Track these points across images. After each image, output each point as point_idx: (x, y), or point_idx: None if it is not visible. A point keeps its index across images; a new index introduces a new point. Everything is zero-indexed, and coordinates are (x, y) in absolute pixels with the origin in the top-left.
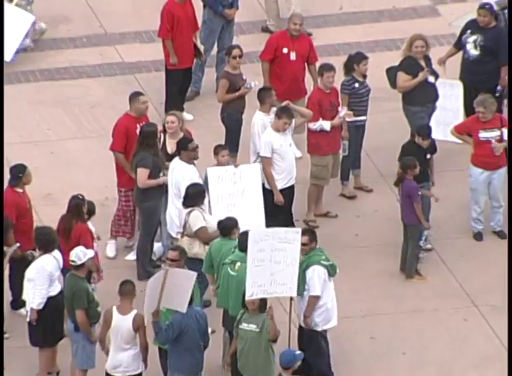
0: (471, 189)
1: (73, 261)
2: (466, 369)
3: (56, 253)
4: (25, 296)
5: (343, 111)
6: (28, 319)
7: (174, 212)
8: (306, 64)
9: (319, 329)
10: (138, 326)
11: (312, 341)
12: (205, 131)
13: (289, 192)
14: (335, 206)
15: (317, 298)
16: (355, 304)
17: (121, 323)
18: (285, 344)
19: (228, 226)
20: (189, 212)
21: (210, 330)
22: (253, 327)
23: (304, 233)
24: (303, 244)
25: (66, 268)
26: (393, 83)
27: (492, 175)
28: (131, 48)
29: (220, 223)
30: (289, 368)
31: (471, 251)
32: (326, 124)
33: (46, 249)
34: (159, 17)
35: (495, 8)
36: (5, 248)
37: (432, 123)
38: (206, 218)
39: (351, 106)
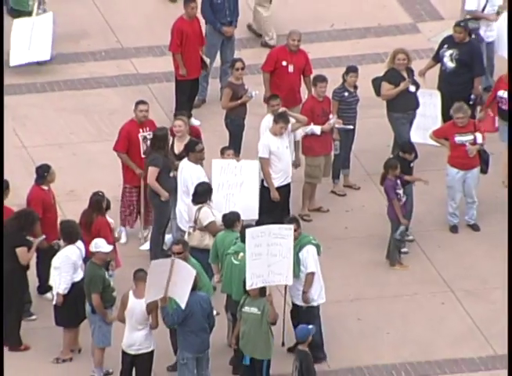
0: (448, 186)
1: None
2: (443, 347)
3: (79, 244)
4: (51, 282)
5: (333, 118)
6: (54, 303)
7: (182, 208)
8: (302, 76)
9: (316, 304)
10: (151, 308)
11: (309, 315)
12: (210, 135)
13: (285, 189)
14: (327, 202)
15: (313, 274)
16: (345, 289)
17: (136, 305)
18: (280, 323)
19: (231, 219)
20: (199, 208)
21: (215, 313)
22: (254, 310)
23: (291, 221)
24: (296, 230)
25: (88, 257)
26: (378, 92)
27: (467, 174)
28: (144, 61)
29: (224, 217)
30: (304, 342)
31: (448, 242)
32: (317, 129)
33: (70, 240)
34: (169, 33)
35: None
36: (31, 239)
37: (413, 128)
38: (214, 213)
39: (339, 113)
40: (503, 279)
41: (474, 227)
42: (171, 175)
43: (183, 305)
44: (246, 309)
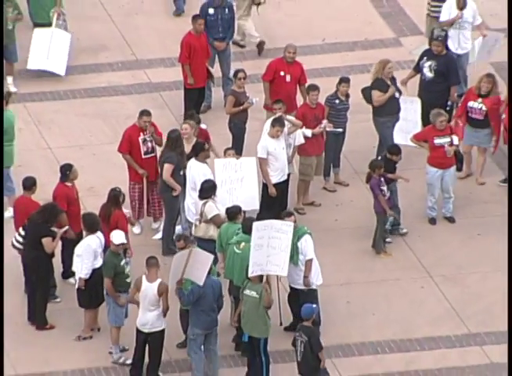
0: (428, 184)
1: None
2: (423, 326)
3: (99, 234)
4: (74, 268)
5: (324, 123)
6: (77, 286)
7: (190, 202)
8: (298, 85)
9: (315, 287)
10: (162, 291)
11: (311, 297)
12: (215, 138)
13: (282, 186)
14: (319, 197)
15: (312, 260)
16: (335, 275)
17: (148, 289)
18: (277, 306)
19: (233, 212)
20: (204, 203)
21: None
22: (253, 293)
23: (291, 214)
24: (293, 222)
25: (107, 246)
26: (369, 100)
27: (445, 172)
28: (156, 72)
29: (227, 210)
30: (309, 319)
31: (427, 233)
32: (308, 132)
33: (91, 230)
34: (179, 47)
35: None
36: (56, 230)
37: (395, 130)
38: (218, 207)
39: (330, 117)
40: (477, 265)
41: (451, 219)
42: (181, 172)
43: (201, 283)
44: (246, 291)
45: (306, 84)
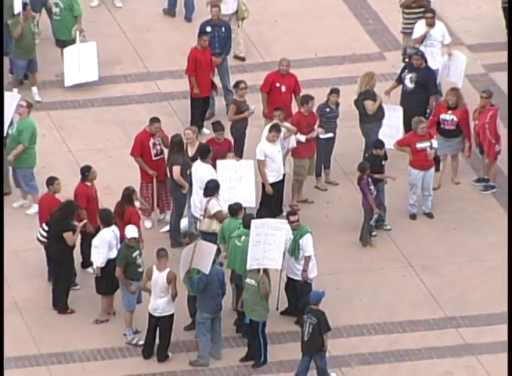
0: (410, 184)
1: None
2: (404, 310)
3: (114, 227)
4: (92, 258)
5: (317, 130)
6: (94, 275)
7: (197, 199)
8: (293, 94)
9: (309, 281)
10: (171, 279)
11: (306, 287)
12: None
13: (278, 185)
14: (311, 195)
15: (310, 256)
16: (326, 265)
17: (158, 277)
18: (275, 293)
19: (235, 209)
20: (208, 201)
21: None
22: (253, 282)
23: (294, 214)
24: (296, 221)
25: (122, 239)
26: (361, 110)
27: (426, 173)
28: (166, 83)
29: (229, 207)
30: (317, 303)
31: (408, 227)
32: (302, 137)
33: (106, 224)
34: (186, 60)
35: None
36: (76, 223)
37: (380, 135)
38: (221, 204)
39: (321, 124)
40: (452, 256)
41: (429, 215)
42: (188, 172)
43: (207, 272)
44: (247, 280)
45: (300, 94)
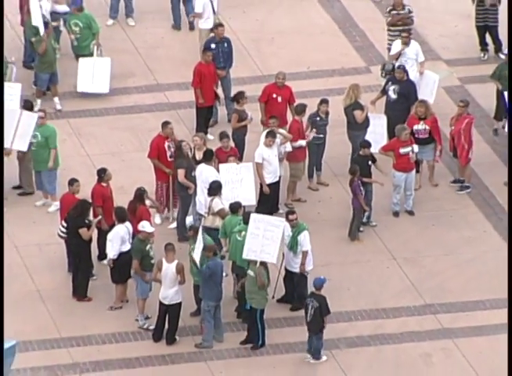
0: (394, 185)
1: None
2: (388, 299)
3: (127, 223)
4: (107, 251)
5: (310, 135)
6: (109, 266)
7: (202, 198)
8: (288, 104)
9: (306, 274)
10: (179, 270)
11: (302, 278)
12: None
13: (274, 186)
14: (304, 194)
15: (307, 251)
16: (318, 257)
17: (168, 269)
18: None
19: (236, 207)
20: (212, 199)
21: (224, 274)
22: (251, 273)
23: (293, 212)
24: (294, 219)
25: (135, 234)
26: (352, 118)
27: (408, 174)
28: (174, 94)
29: (231, 205)
30: (320, 288)
31: (391, 224)
32: (303, 142)
33: (120, 221)
34: (192, 73)
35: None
36: (91, 219)
37: None
38: (223, 202)
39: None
40: (431, 250)
41: (411, 213)
42: (193, 174)
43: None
44: (248, 271)
45: (294, 104)
